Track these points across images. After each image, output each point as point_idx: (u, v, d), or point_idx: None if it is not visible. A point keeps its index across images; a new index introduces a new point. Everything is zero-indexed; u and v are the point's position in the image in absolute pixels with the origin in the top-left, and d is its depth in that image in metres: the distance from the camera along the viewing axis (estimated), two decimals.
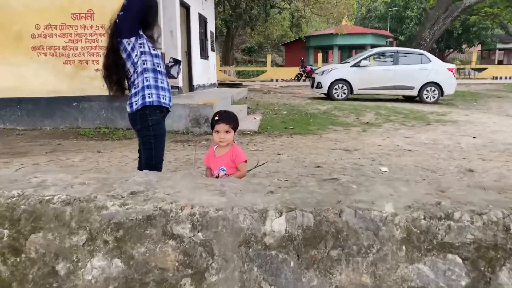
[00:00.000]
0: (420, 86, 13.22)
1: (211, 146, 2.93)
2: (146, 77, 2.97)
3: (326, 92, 13.47)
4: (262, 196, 2.15)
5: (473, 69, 29.22)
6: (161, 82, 3.03)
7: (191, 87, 11.74)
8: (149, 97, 2.96)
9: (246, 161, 2.80)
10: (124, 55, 2.96)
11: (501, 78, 27.51)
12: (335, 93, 13.31)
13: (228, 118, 2.72)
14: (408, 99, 14.06)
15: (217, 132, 2.71)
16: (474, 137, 7.59)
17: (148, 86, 2.98)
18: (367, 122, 9.35)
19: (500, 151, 6.23)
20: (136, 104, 3.00)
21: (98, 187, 2.25)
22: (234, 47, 31.50)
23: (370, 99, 14.06)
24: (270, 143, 6.92)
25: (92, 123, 8.52)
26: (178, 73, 3.30)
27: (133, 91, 3.02)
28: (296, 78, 27.20)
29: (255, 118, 9.47)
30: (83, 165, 5.37)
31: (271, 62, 31.25)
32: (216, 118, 2.71)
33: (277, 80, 27.15)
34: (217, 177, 2.79)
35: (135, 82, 3.00)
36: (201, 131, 7.78)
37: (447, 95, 13.62)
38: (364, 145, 6.72)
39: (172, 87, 10.35)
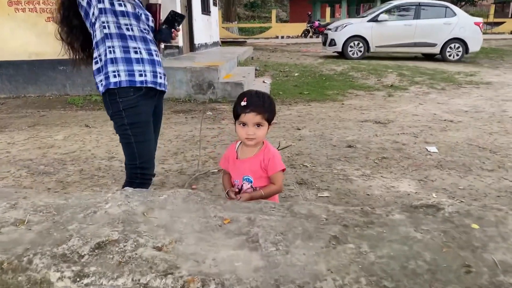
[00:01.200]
0: (443, 43, 12.02)
1: (232, 143, 1.99)
2: (110, 47, 2.01)
3: (340, 50, 12.29)
4: (323, 251, 1.25)
5: (488, 23, 27.50)
6: (136, 52, 2.05)
7: (192, 47, 10.61)
8: (114, 76, 2.03)
9: (284, 170, 1.87)
10: (82, 13, 1.99)
11: None
12: (350, 51, 12.14)
13: (261, 105, 1.75)
14: (428, 57, 12.89)
15: (243, 124, 1.78)
16: None
17: (113, 60, 2.02)
18: (391, 85, 8.31)
19: None
20: (101, 85, 2.06)
21: (42, 231, 1.35)
22: (236, 1, 29.70)
23: (387, 57, 12.90)
24: (285, 113, 5.95)
25: (82, 89, 7.53)
26: (173, 36, 2.28)
27: (94, 66, 2.07)
28: (303, 35, 25.67)
29: (264, 82, 8.44)
30: (66, 145, 4.46)
31: (275, 17, 29.54)
32: (243, 103, 1.75)
33: (282, 37, 25.64)
34: (239, 190, 1.88)
35: (96, 54, 2.04)
36: (205, 98, 6.80)
37: (471, 52, 12.42)
38: (396, 115, 5.75)
39: (171, 47, 9.25)
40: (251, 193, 1.82)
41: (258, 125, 1.75)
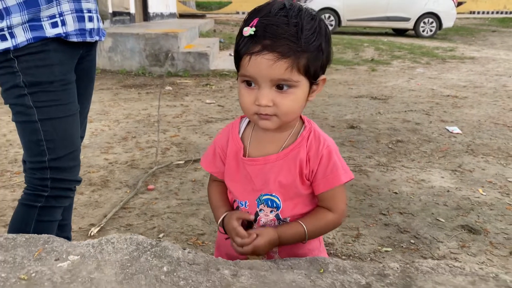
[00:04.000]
0: (417, 17, 11.39)
1: (232, 122, 0.96)
2: None
3: None
4: None
5: None
6: None
7: (146, 16, 9.32)
8: (3, 39, 1.08)
9: (345, 183, 0.87)
10: None
11: (478, 12, 26.11)
12: None
13: (293, 36, 0.74)
14: (399, 33, 12.26)
15: (249, 84, 0.80)
16: None
17: (2, 13, 1.06)
18: (372, 59, 7.53)
19: None
20: None
21: None
22: None
23: (358, 33, 12.14)
24: None
25: None
26: None
27: None
28: None
29: (231, 55, 7.38)
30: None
31: None
32: (250, 30, 0.75)
33: (243, 13, 24.39)
34: (249, 224, 0.89)
35: None
36: (163, 71, 5.67)
37: (444, 28, 11.90)
38: (390, 90, 4.93)
39: (121, 13, 7.95)
40: (278, 227, 0.86)
41: (283, 85, 0.78)
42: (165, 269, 0.78)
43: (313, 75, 0.80)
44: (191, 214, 2.07)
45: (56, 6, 1.12)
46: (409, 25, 11.58)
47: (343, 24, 11.44)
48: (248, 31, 0.76)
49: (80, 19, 1.19)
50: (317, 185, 0.86)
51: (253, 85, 0.79)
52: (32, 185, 1.26)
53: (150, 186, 2.33)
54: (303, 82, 0.80)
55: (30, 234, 0.92)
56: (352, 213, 2.09)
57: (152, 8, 9.65)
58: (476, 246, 1.83)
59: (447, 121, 3.55)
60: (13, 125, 3.21)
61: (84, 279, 0.75)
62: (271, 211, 0.87)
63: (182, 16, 15.86)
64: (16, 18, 1.07)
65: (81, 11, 1.19)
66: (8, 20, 1.07)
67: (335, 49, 8.57)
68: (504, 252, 1.78)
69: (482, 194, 2.33)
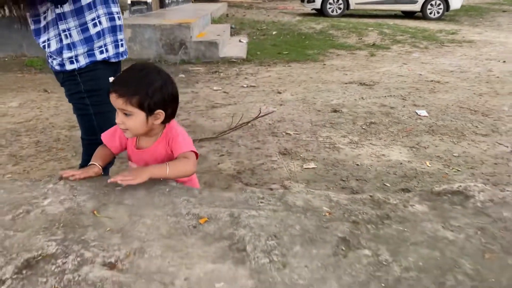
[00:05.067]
0: (424, 0, 11.63)
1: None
2: (65, 30, 1.70)
3: (319, 7, 11.75)
4: (331, 261, 0.94)
5: None
6: (96, 25, 1.77)
7: (162, 3, 9.88)
8: (71, 63, 1.75)
9: (196, 154, 1.39)
10: None
11: None
12: (329, 8, 11.63)
13: (124, 84, 1.30)
14: (408, 15, 12.53)
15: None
16: (504, 61, 6.40)
17: (70, 46, 1.71)
18: (373, 44, 7.97)
19: None
20: (56, 64, 1.76)
21: None
22: None
23: (366, 15, 12.46)
24: (264, 75, 5.56)
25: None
26: None
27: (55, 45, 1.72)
28: None
29: (240, 41, 7.94)
30: (21, 113, 3.98)
31: None
32: (111, 79, 1.43)
33: None
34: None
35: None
36: (177, 59, 6.30)
37: (452, 10, 12.11)
38: (381, 76, 5.45)
39: (139, 2, 8.55)
40: (144, 168, 1.31)
41: (125, 113, 1.29)
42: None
43: (148, 109, 1.27)
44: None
45: (103, 40, 1.76)
46: (417, 7, 11.84)
47: (351, 7, 11.77)
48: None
49: (116, 47, 1.82)
50: (175, 153, 1.37)
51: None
52: (87, 152, 1.92)
53: None
54: (139, 113, 1.27)
55: None
56: (318, 180, 2.71)
57: None
58: None
59: (419, 105, 4.10)
60: (54, 111, 3.93)
61: (127, 197, 1.39)
62: None
63: (196, 0, 16.31)
64: (80, 50, 1.71)
65: (117, 41, 1.83)
66: (75, 51, 1.71)
67: (340, 33, 9.03)
68: None
69: (428, 166, 2.92)
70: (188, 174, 1.36)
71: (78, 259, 0.94)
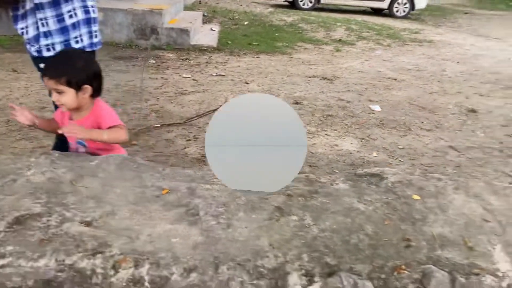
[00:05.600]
0: None
1: None
2: (41, 19, 1.86)
3: None
4: (266, 224, 1.20)
5: None
6: (71, 16, 1.94)
7: None
8: (48, 50, 1.92)
9: (122, 126, 1.68)
10: None
11: None
12: (301, 1, 11.88)
13: (52, 68, 1.59)
14: (376, 12, 12.95)
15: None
16: (457, 62, 6.86)
17: (47, 34, 1.89)
18: (339, 40, 8.30)
19: (492, 83, 5.56)
20: (33, 51, 1.94)
21: None
22: None
23: (336, 10, 12.79)
24: (233, 65, 5.77)
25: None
26: None
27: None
28: None
29: (212, 29, 8.09)
30: None
31: None
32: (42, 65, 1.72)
33: None
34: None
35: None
36: (148, 44, 6.40)
37: (417, 9, 12.63)
38: (342, 71, 5.77)
39: None
40: (86, 129, 1.61)
41: (58, 91, 1.55)
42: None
43: (76, 85, 1.55)
44: (163, 163, 2.93)
45: (78, 30, 1.93)
46: (384, 5, 12.28)
47: (322, 1, 12.06)
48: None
49: (90, 37, 2.00)
50: (104, 127, 1.63)
51: None
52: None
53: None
54: (68, 90, 1.54)
55: None
56: None
57: None
58: None
59: (374, 100, 4.44)
60: (24, 91, 3.98)
61: (100, 170, 1.60)
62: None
63: None
64: (56, 39, 1.88)
65: (91, 32, 2.00)
66: (51, 39, 1.88)
67: (310, 27, 9.32)
68: None
69: (374, 156, 3.24)
70: (122, 140, 1.68)
71: (60, 217, 1.15)
